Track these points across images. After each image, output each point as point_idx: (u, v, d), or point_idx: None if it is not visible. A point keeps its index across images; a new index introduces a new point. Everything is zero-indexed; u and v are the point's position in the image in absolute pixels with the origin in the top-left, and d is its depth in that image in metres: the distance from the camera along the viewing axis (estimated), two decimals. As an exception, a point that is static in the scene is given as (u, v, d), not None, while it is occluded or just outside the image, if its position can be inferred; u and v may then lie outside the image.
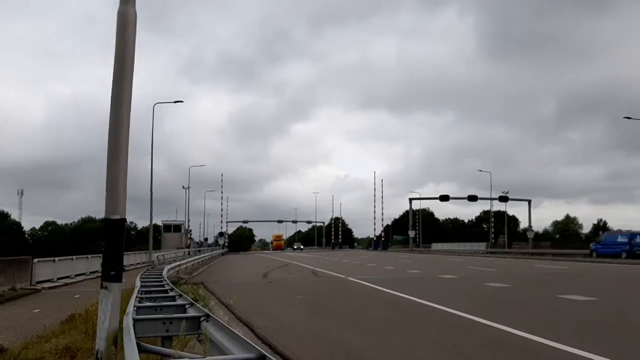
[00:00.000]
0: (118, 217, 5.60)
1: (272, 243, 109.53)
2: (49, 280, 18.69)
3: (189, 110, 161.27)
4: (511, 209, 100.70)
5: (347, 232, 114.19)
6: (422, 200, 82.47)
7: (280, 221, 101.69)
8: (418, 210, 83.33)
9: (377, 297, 13.55)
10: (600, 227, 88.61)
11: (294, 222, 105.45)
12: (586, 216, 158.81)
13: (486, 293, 14.29)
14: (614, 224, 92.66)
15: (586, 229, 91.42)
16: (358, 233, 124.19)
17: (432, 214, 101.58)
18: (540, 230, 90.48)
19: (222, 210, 79.85)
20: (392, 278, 19.46)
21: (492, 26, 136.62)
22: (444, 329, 8.50)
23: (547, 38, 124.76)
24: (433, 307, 10.92)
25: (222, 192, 77.91)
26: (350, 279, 19.19)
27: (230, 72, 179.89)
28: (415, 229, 77.53)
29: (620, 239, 38.76)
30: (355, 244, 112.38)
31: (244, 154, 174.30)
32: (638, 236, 37.12)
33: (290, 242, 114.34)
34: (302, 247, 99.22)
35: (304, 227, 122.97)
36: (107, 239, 5.64)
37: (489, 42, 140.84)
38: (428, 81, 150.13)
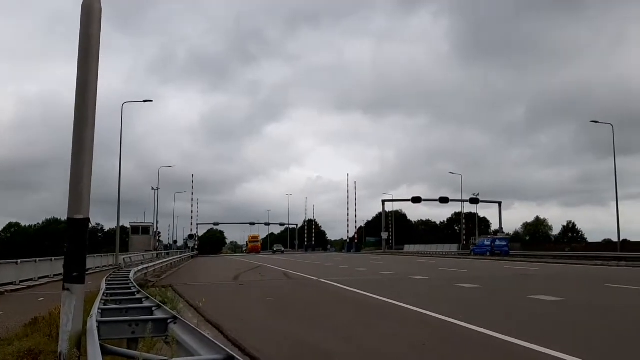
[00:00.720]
0: (81, 216, 5.46)
1: (246, 245, 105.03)
2: (11, 283, 18.15)
3: (159, 110, 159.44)
4: (482, 210, 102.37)
5: (321, 234, 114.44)
6: (395, 202, 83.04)
7: (252, 223, 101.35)
8: (391, 212, 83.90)
9: (349, 299, 13.53)
10: (570, 228, 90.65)
11: (267, 224, 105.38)
12: (556, 218, 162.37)
13: (456, 294, 14.40)
14: (583, 226, 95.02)
15: (556, 230, 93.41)
16: (331, 235, 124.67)
17: (404, 216, 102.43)
18: (511, 232, 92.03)
19: (192, 212, 78.98)
20: (364, 280, 19.48)
21: (466, 29, 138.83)
22: (414, 329, 8.51)
23: (520, 42, 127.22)
24: (404, 308, 10.94)
25: (192, 194, 77.08)
26: (322, 280, 19.14)
27: (201, 72, 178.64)
28: (388, 231, 78.00)
29: (485, 242, 50.95)
30: (329, 246, 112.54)
31: (216, 155, 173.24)
32: (497, 240, 50.63)
33: (266, 245, 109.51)
34: (282, 249, 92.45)
35: (277, 230, 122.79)
36: (70, 240, 5.49)
37: (462, 45, 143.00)
38: (402, 84, 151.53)
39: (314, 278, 20.49)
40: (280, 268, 29.56)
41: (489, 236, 56.15)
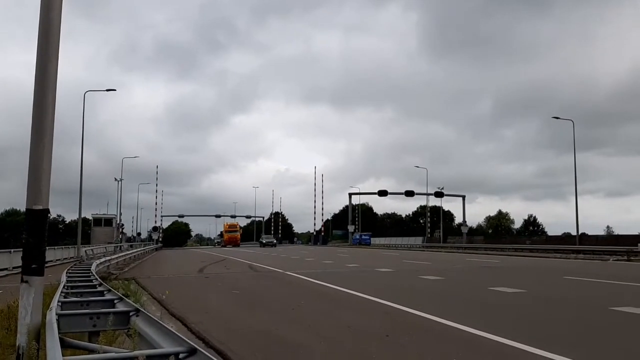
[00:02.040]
0: (40, 207, 5.31)
1: (221, 235, 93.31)
2: (-32, 276, 17.61)
3: (124, 99, 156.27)
4: (447, 204, 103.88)
5: (287, 226, 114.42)
6: (361, 195, 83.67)
7: (218, 216, 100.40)
8: (357, 205, 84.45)
9: (314, 291, 13.57)
10: (531, 222, 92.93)
11: (233, 216, 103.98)
12: (518, 212, 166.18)
13: (420, 285, 14.60)
14: (543, 219, 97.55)
15: (517, 224, 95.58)
16: (298, 228, 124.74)
17: (371, 209, 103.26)
18: (474, 225, 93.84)
19: (156, 203, 77.86)
20: (330, 272, 19.57)
21: (434, 24, 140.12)
22: (378, 320, 8.60)
23: (488, 37, 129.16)
24: (369, 300, 11.04)
25: (156, 185, 76.08)
26: (288, 273, 19.15)
27: (168, 60, 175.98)
28: (355, 224, 78.52)
29: (356, 236, 74.62)
30: (295, 238, 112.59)
31: (181, 145, 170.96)
32: (363, 235, 75.24)
33: (246, 236, 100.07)
34: (274, 241, 76.29)
35: (243, 222, 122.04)
36: (29, 231, 5.34)
37: (430, 40, 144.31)
38: (370, 77, 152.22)
39: (280, 271, 20.48)
40: (246, 261, 29.44)
41: (359, 232, 77.83)
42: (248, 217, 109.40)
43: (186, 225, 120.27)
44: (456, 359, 5.88)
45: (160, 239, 75.94)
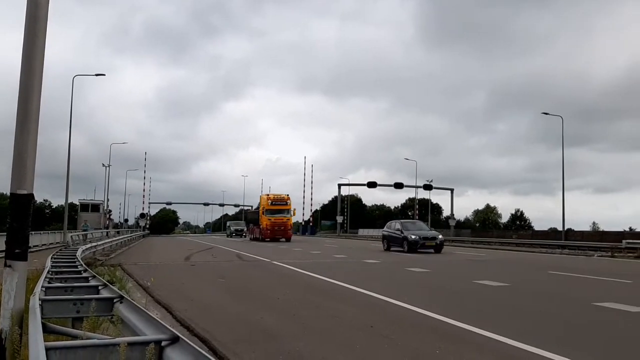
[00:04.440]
0: (25, 192, 5.26)
1: (255, 217, 49.54)
2: (-49, 260, 17.43)
3: (113, 83, 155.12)
4: (436, 197, 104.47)
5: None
6: (350, 187, 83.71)
7: (206, 204, 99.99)
8: (347, 196, 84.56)
9: (301, 281, 13.61)
10: (518, 216, 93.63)
11: (221, 205, 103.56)
12: (507, 206, 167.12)
13: (407, 277, 14.69)
14: (531, 214, 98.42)
15: (505, 218, 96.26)
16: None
17: (360, 200, 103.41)
18: (462, 219, 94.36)
19: (144, 190, 77.30)
20: (317, 262, 19.61)
21: (432, 13, 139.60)
22: (363, 311, 8.65)
23: (486, 28, 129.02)
24: (355, 291, 11.09)
25: (145, 172, 75.35)
26: (275, 262, 19.17)
27: (160, 44, 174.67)
28: (344, 215, 78.63)
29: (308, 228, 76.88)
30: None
31: (171, 131, 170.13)
32: (310, 226, 77.84)
33: (220, 227, 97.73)
34: (244, 229, 59.28)
35: (232, 211, 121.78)
36: (13, 216, 5.29)
37: (428, 30, 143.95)
38: (366, 66, 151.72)
39: (267, 260, 20.50)
40: (233, 249, 29.43)
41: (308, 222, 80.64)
42: (236, 205, 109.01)
43: (174, 212, 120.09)
44: (438, 350, 5.94)
45: (148, 226, 75.60)
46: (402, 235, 26.93)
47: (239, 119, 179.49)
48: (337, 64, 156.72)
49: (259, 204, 48.68)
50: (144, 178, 76.98)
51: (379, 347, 6.15)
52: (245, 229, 59.59)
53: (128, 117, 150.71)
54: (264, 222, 44.47)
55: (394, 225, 28.95)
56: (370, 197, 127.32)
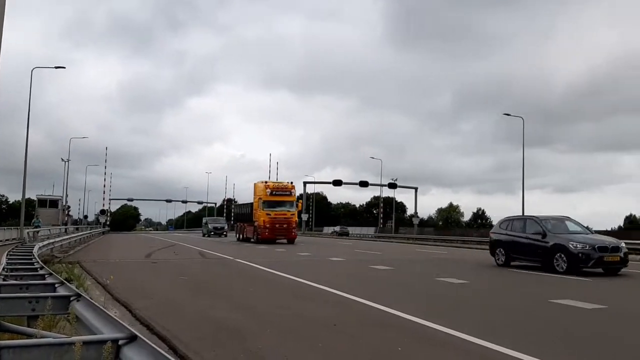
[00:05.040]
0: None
1: (251, 211, 37.01)
2: None
3: (74, 76, 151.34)
4: (401, 195, 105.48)
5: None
6: (316, 184, 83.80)
7: (169, 200, 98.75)
8: (312, 194, 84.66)
9: (264, 279, 13.54)
10: (479, 215, 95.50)
11: (184, 202, 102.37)
12: (470, 205, 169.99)
13: (370, 275, 14.78)
14: (492, 213, 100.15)
15: (467, 216, 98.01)
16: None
17: (325, 198, 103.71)
18: (426, 217, 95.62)
19: (104, 186, 75.60)
20: (281, 261, 19.55)
21: (401, 13, 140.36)
22: (327, 310, 8.65)
23: (451, 29, 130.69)
24: (319, 289, 11.08)
25: (105, 167, 73.60)
26: (239, 261, 19.02)
27: (123, 37, 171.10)
28: (309, 213, 78.70)
29: (170, 228, 70.56)
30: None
31: (134, 127, 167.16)
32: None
33: (182, 224, 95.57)
34: (225, 226, 54.49)
35: (195, 208, 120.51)
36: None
37: (396, 29, 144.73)
38: (333, 64, 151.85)
39: (231, 258, 20.33)
40: (196, 247, 29.09)
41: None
42: (200, 202, 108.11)
43: (135, 209, 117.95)
44: (400, 347, 5.98)
45: (108, 223, 74.02)
46: (546, 242, 15.51)
47: (203, 115, 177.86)
48: (304, 61, 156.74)
49: (254, 194, 36.97)
50: (105, 174, 75.12)
51: (342, 344, 6.16)
52: (226, 227, 54.52)
53: (89, 112, 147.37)
54: (261, 218, 34.09)
55: (525, 225, 16.79)
56: (335, 195, 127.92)
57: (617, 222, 57.28)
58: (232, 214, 50.43)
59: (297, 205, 35.61)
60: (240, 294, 10.37)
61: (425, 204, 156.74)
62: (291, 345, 6.14)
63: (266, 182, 36.61)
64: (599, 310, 8.78)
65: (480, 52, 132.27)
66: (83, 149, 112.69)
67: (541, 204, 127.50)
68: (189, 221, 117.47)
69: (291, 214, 34.73)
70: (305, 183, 79.05)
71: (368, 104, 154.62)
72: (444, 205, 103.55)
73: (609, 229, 47.67)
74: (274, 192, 34.61)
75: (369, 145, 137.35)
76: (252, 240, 35.59)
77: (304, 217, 75.71)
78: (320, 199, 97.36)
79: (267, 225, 33.72)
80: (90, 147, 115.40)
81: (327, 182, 77.71)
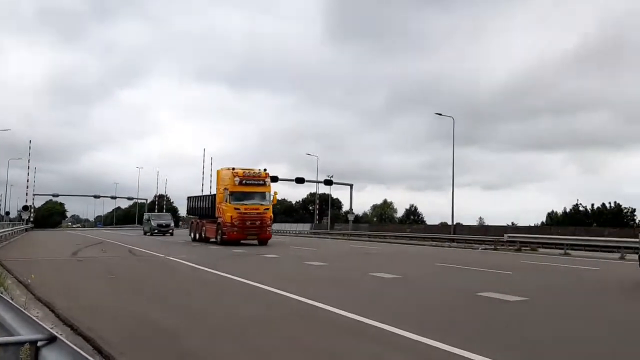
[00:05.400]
0: None
1: (212, 205, 31.12)
2: None
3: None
4: (337, 192, 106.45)
5: (173, 210, 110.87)
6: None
7: (97, 196, 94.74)
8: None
9: (197, 277, 13.31)
10: (412, 211, 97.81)
11: (113, 197, 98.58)
12: (403, 201, 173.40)
13: (305, 271, 14.83)
14: (424, 209, 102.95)
15: (400, 213, 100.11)
16: (184, 212, 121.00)
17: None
18: (361, 213, 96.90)
19: (28, 181, 71.92)
20: (215, 258, 19.27)
21: (339, 9, 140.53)
22: (260, 306, 8.61)
23: (388, 27, 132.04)
24: (252, 286, 11.01)
25: (29, 161, 70.04)
26: (170, 258, 18.60)
27: (50, 26, 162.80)
28: (242, 209, 77.91)
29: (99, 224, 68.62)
30: (180, 222, 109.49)
31: (61, 119, 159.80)
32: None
33: (128, 218, 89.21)
34: (171, 223, 48.16)
35: (124, 204, 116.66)
36: None
37: (335, 26, 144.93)
38: (271, 59, 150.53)
39: (162, 255, 19.84)
40: (125, 244, 28.20)
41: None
42: (130, 198, 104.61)
43: (61, 205, 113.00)
44: (333, 342, 6.02)
45: (32, 219, 70.50)
46: None
47: (134, 108, 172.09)
48: (242, 56, 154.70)
49: (217, 184, 31.24)
50: (28, 168, 71.58)
51: (277, 341, 6.13)
52: (173, 224, 48.49)
53: (12, 103, 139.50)
54: (227, 213, 27.70)
55: None
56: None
57: (540, 218, 60.05)
58: (187, 209, 38.86)
59: (272, 198, 29.34)
60: (170, 292, 10.14)
61: (361, 200, 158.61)
62: (223, 344, 6.06)
63: (233, 168, 28.93)
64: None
65: (415, 51, 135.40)
66: (5, 142, 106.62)
67: (469, 201, 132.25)
68: (119, 218, 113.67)
69: (265, 209, 28.51)
70: (239, 179, 78.33)
71: (305, 100, 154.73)
72: (379, 201, 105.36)
73: (532, 224, 50.16)
74: (244, 182, 28.31)
75: (306, 141, 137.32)
76: (213, 240, 29.32)
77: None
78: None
79: (236, 223, 27.54)
80: (14, 139, 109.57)
81: (261, 178, 77.22)
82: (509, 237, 28.40)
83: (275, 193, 29.61)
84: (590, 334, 6.89)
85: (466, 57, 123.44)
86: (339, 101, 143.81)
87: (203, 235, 31.67)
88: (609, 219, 48.04)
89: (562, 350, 5.94)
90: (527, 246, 26.58)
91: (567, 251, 23.39)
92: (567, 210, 53.58)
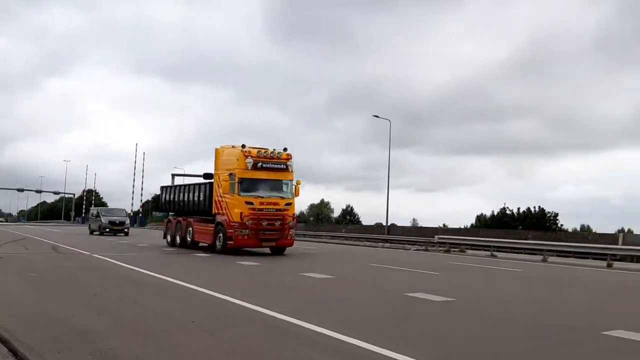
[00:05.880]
0: None
1: (207, 196, 21.80)
2: None
3: None
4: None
5: (102, 205, 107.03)
6: (185, 177, 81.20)
7: (21, 190, 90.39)
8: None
9: (121, 275, 12.88)
10: (348, 211, 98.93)
11: (38, 191, 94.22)
12: (340, 201, 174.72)
13: (234, 270, 14.69)
14: (360, 209, 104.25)
15: (337, 213, 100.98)
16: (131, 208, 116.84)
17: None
18: (298, 213, 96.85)
19: (-55, 173, 66.89)
20: (144, 256, 18.75)
21: (281, 7, 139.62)
22: (186, 306, 8.44)
23: (329, 27, 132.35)
24: (180, 285, 10.78)
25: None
26: (95, 256, 17.92)
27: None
28: (177, 206, 76.21)
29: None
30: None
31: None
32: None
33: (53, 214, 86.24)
34: (127, 221, 41.04)
35: (50, 198, 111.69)
36: None
37: (276, 23, 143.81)
38: (211, 53, 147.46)
39: (87, 253, 19.07)
40: (49, 241, 26.96)
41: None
42: (56, 192, 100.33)
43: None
44: (262, 344, 5.97)
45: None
46: None
47: (63, 99, 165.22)
48: (181, 49, 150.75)
49: (216, 168, 21.93)
50: (-56, 158, 67.16)
51: (198, 341, 6.00)
52: (128, 222, 41.26)
53: None
54: (236, 208, 19.63)
55: None
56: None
57: (470, 220, 62.06)
58: (160, 203, 29.09)
59: (295, 189, 20.86)
60: (94, 291, 9.73)
61: (301, 200, 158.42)
62: (144, 344, 5.87)
63: (244, 146, 20.28)
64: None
65: (356, 53, 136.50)
66: None
67: (404, 203, 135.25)
68: (44, 213, 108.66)
69: (286, 204, 20.36)
70: (173, 175, 76.40)
71: (245, 97, 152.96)
72: (316, 201, 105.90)
73: (462, 226, 51.85)
74: (259, 165, 19.88)
75: (245, 138, 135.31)
76: (205, 245, 21.77)
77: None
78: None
79: (248, 223, 19.26)
80: None
81: (197, 174, 75.33)
82: (440, 238, 29.17)
83: (299, 182, 20.85)
84: (505, 334, 7.17)
85: (405, 62, 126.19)
86: (279, 98, 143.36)
87: (189, 238, 22.96)
88: (533, 223, 50.22)
89: (477, 349, 6.14)
90: (456, 247, 27.40)
91: (494, 253, 24.30)
92: (495, 213, 55.59)
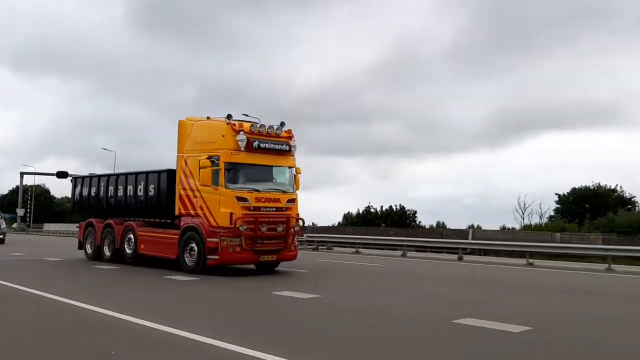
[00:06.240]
0: None
1: (167, 194, 14.90)
2: None
3: None
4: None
5: None
6: (36, 176, 74.80)
7: None
8: (31, 187, 75.61)
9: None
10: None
11: None
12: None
13: (89, 274, 13.98)
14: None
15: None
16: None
17: (48, 191, 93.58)
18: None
19: None
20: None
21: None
22: (28, 311, 7.86)
23: (198, 24, 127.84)
24: (25, 291, 9.87)
25: None
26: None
27: None
28: (26, 207, 70.11)
29: None
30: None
31: None
32: None
33: None
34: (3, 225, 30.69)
35: None
36: None
37: (138, 14, 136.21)
38: (65, 43, 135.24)
39: None
40: None
41: None
42: None
43: None
44: (114, 351, 5.57)
45: None
46: None
47: None
48: (29, 36, 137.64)
49: (181, 149, 14.89)
50: None
51: (55, 348, 5.46)
52: (4, 226, 32.15)
53: None
54: (223, 208, 13.39)
55: None
56: (61, 189, 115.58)
57: (338, 218, 63.97)
58: (75, 200, 19.47)
59: (295, 178, 15.18)
60: None
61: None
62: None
63: (229, 116, 14.13)
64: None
65: (225, 51, 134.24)
66: None
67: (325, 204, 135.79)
68: None
69: (289, 200, 14.57)
70: (22, 174, 70.17)
71: (103, 90, 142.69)
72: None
73: (330, 224, 53.27)
74: (257, 144, 13.92)
75: (103, 134, 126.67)
76: (161, 257, 15.00)
77: (20, 212, 67.55)
78: (42, 192, 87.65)
79: (242, 229, 13.23)
80: None
81: (49, 173, 69.92)
82: (308, 236, 29.66)
83: (299, 171, 15.21)
84: (361, 325, 7.42)
85: (278, 62, 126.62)
86: (141, 93, 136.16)
87: (128, 250, 16.22)
88: (395, 220, 53.02)
89: (340, 342, 6.26)
90: (324, 245, 28.09)
91: (359, 250, 25.24)
92: (360, 211, 57.84)
